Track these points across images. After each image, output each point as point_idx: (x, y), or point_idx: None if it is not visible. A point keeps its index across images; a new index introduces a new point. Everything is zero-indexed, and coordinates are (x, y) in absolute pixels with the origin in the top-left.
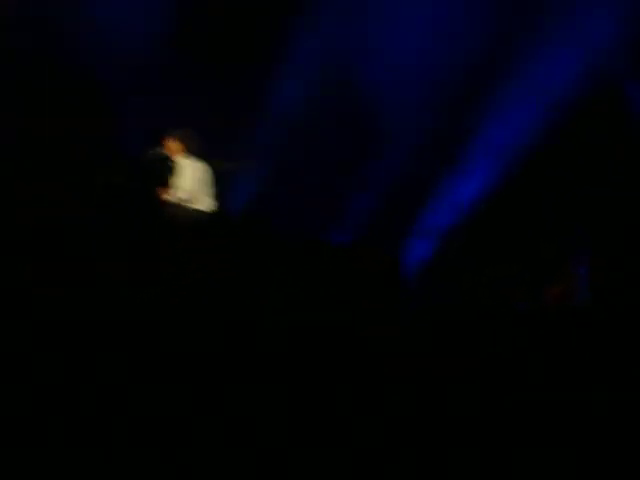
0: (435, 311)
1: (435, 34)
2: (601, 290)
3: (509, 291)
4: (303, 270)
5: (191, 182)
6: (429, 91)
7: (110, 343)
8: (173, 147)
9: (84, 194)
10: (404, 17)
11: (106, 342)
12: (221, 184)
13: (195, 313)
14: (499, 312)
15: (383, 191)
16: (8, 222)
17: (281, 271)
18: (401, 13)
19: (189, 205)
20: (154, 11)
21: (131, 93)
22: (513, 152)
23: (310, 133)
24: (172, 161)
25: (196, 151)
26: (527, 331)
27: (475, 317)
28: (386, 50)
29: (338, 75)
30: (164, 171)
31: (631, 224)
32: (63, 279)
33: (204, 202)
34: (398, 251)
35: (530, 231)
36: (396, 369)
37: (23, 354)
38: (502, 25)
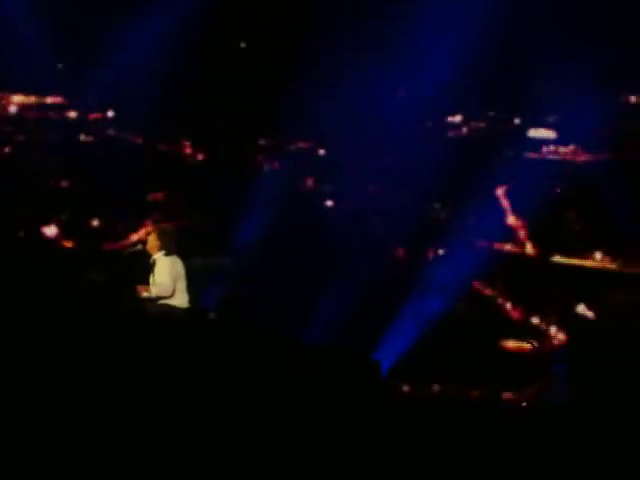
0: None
1: None
2: (579, 389)
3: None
4: (279, 371)
5: (167, 278)
6: None
7: None
8: (151, 241)
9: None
10: None
11: None
12: (197, 279)
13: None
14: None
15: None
16: None
17: (256, 370)
18: None
19: (164, 301)
20: None
21: None
22: None
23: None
24: (149, 257)
25: (172, 247)
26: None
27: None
28: None
29: None
30: (141, 267)
31: None
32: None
33: (179, 298)
34: (373, 353)
35: None
36: None
37: None
38: None
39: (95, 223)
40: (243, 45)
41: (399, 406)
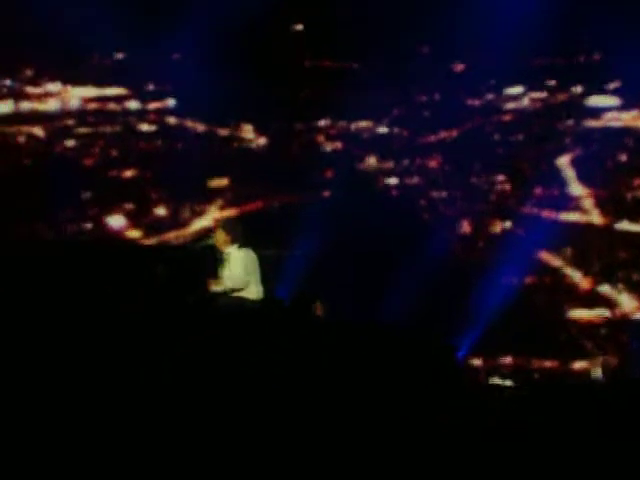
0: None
1: None
2: None
3: None
4: (358, 354)
5: (240, 271)
6: None
7: None
8: (219, 237)
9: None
10: None
11: None
12: (268, 270)
13: (245, 403)
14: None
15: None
16: None
17: (334, 356)
18: None
19: (238, 294)
20: None
21: None
22: None
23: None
24: (219, 251)
25: (241, 239)
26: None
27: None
28: None
29: None
30: (212, 261)
31: None
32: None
33: (252, 290)
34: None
35: None
36: None
37: None
38: None
39: (160, 212)
40: (300, 27)
41: (475, 391)
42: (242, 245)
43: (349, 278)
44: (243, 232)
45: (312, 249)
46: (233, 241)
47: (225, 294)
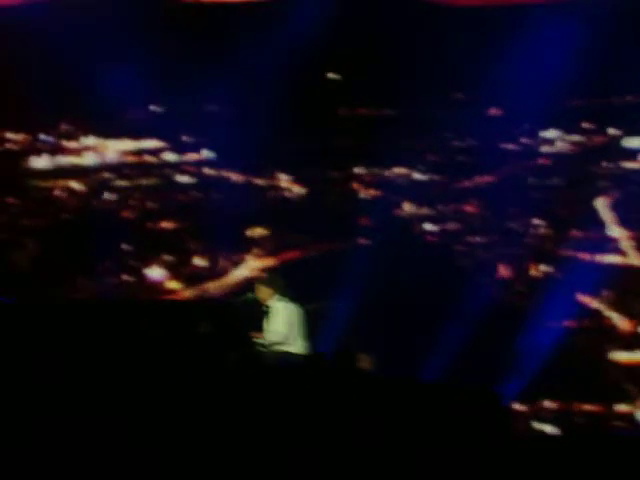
0: None
1: None
2: None
3: None
4: (404, 410)
5: (283, 325)
6: None
7: None
8: (263, 291)
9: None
10: None
11: None
12: (312, 325)
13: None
14: None
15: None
16: None
17: (377, 413)
18: None
19: (282, 348)
20: None
21: None
22: None
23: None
24: (263, 305)
25: (285, 292)
26: None
27: None
28: None
29: None
30: (256, 315)
31: None
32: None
33: (297, 344)
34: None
35: None
36: None
37: None
38: None
39: (198, 262)
40: (334, 76)
41: (523, 440)
42: (285, 299)
43: (392, 327)
44: (286, 286)
45: (353, 299)
46: (276, 294)
47: (268, 348)
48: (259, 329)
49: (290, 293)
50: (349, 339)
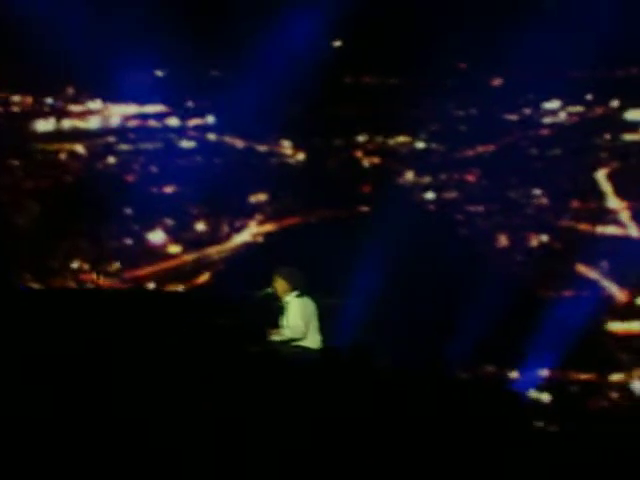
0: None
1: None
2: None
3: None
4: (419, 404)
5: (300, 319)
6: None
7: None
8: (279, 286)
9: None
10: None
11: None
12: (327, 319)
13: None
14: None
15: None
16: None
17: (393, 408)
18: None
19: (297, 343)
20: None
21: None
22: None
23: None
24: (279, 300)
25: (303, 288)
26: None
27: None
28: None
29: None
30: (272, 310)
31: None
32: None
33: (312, 339)
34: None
35: None
36: None
37: None
38: None
39: (200, 227)
40: (339, 44)
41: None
42: (302, 294)
43: (403, 311)
44: (303, 280)
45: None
46: (293, 289)
47: (285, 344)
48: (277, 324)
49: (308, 288)
50: (365, 333)
